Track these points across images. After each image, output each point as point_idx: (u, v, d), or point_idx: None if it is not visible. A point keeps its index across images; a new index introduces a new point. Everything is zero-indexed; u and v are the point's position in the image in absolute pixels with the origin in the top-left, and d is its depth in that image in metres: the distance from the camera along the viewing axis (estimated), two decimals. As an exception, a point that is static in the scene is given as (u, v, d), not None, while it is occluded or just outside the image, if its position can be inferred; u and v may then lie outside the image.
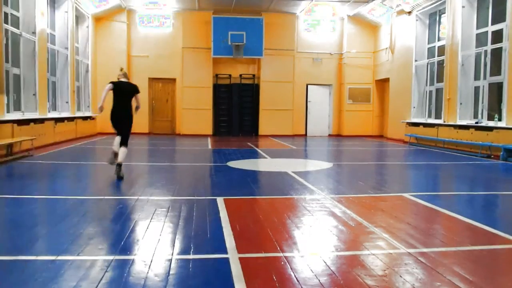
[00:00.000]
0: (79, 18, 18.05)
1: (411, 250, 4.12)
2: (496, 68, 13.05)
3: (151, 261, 3.75)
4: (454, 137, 14.29)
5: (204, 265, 3.72)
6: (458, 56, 14.39)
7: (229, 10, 19.93)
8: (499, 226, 5.08)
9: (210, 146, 15.27)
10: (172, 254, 3.95)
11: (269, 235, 4.59)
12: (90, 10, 18.46)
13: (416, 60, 17.35)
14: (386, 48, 19.67)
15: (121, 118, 8.68)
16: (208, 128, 20.48)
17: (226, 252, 3.99)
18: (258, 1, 18.87)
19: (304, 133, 21.52)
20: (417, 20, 17.18)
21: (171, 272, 3.53)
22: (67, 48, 16.28)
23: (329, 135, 21.72)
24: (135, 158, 11.92)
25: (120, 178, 7.90)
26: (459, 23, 14.35)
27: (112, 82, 8.34)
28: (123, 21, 19.87)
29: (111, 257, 3.83)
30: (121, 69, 8.85)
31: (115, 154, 8.42)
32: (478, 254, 4.04)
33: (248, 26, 19.70)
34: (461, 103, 14.37)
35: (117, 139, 8.65)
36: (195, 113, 20.14)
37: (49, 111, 14.65)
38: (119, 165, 8.06)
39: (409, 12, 17.49)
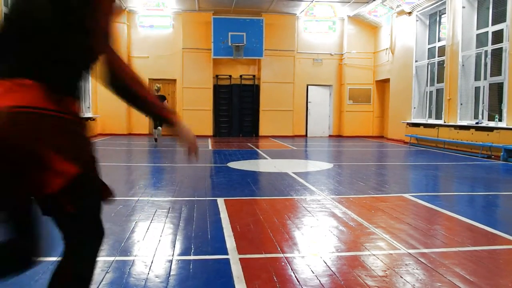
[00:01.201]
0: (79, 19, 18.03)
1: (412, 251, 4.11)
2: (496, 69, 13.05)
3: (152, 262, 3.75)
4: (455, 137, 14.28)
5: (204, 266, 3.72)
6: (458, 56, 14.39)
7: (229, 11, 19.94)
8: (499, 226, 5.08)
9: (210, 147, 15.27)
10: (173, 255, 3.95)
11: (269, 236, 4.59)
12: (90, 11, 18.46)
13: (416, 61, 17.35)
14: (387, 49, 19.68)
15: None
16: (208, 129, 20.48)
17: (226, 253, 3.99)
18: (258, 2, 18.88)
19: (304, 133, 21.53)
20: (417, 20, 17.19)
21: (171, 273, 3.52)
22: (67, 49, 16.26)
23: (330, 135, 21.72)
24: (136, 159, 11.93)
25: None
26: (459, 23, 14.34)
27: None
28: (123, 22, 19.88)
29: (111, 258, 3.83)
30: (156, 86, 15.12)
31: (156, 139, 15.46)
32: (478, 255, 4.03)
33: (248, 27, 19.72)
34: (461, 104, 14.37)
35: (155, 130, 15.48)
36: (195, 114, 20.14)
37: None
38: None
39: (409, 13, 17.50)
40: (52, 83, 1.66)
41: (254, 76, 21.03)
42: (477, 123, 13.40)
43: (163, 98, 16.46)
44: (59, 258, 1.87)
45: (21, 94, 1.60)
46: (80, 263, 1.86)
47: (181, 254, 4.00)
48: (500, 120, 12.50)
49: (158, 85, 16.23)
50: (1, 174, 1.60)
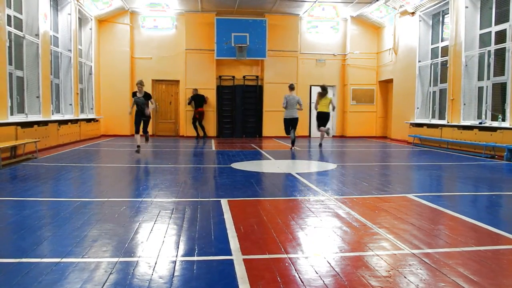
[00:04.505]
0: (82, 20, 18.10)
1: (415, 251, 4.11)
2: (499, 69, 13.02)
3: (156, 263, 3.76)
4: (458, 137, 14.26)
5: (208, 267, 3.72)
6: (461, 56, 14.37)
7: (232, 12, 19.96)
8: (503, 226, 5.07)
9: (213, 148, 15.28)
10: (176, 256, 3.96)
11: (273, 237, 4.59)
12: (93, 12, 18.51)
13: (419, 61, 17.33)
14: (390, 49, 19.65)
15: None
16: (211, 130, 20.49)
17: (230, 254, 4.00)
18: (261, 3, 18.88)
19: (307, 134, 21.51)
20: (420, 20, 17.17)
21: (175, 274, 3.53)
22: (70, 50, 16.32)
23: (333, 136, 21.70)
24: (139, 159, 11.93)
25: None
26: (462, 23, 14.32)
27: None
28: (126, 23, 19.92)
29: (115, 259, 3.84)
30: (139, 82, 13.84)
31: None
32: (482, 255, 4.03)
33: (251, 28, 19.72)
34: (464, 104, 14.35)
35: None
36: (199, 115, 20.17)
37: (52, 114, 14.68)
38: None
39: (412, 13, 17.47)
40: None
41: (257, 76, 21.03)
42: (480, 123, 13.38)
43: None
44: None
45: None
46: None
47: (184, 255, 4.01)
48: (503, 120, 12.47)
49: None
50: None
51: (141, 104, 12.56)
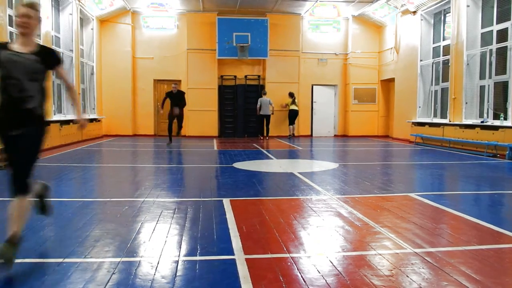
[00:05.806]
0: (83, 20, 18.11)
1: (418, 250, 4.11)
2: (501, 67, 13.00)
3: (158, 263, 3.76)
4: (460, 136, 14.25)
5: (210, 267, 3.72)
6: (463, 55, 14.35)
7: (233, 11, 19.95)
8: (505, 225, 5.06)
9: (215, 147, 15.28)
10: (179, 256, 3.96)
11: (275, 236, 4.59)
12: (94, 12, 18.52)
13: (421, 60, 17.31)
14: (391, 48, 19.63)
15: None
16: (213, 130, 20.50)
17: (232, 253, 4.00)
18: (262, 2, 18.88)
19: (309, 133, 21.50)
20: (422, 19, 17.14)
21: (177, 274, 3.53)
22: (72, 51, 16.33)
23: (335, 135, 21.70)
24: (141, 159, 11.96)
25: None
26: (464, 22, 14.30)
27: None
28: (127, 23, 19.93)
29: (117, 259, 3.84)
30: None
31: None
32: (484, 254, 4.03)
33: (252, 27, 19.72)
34: (466, 103, 14.33)
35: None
36: (201, 115, 20.16)
37: (54, 114, 14.69)
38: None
39: (414, 12, 17.45)
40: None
41: (259, 76, 21.02)
42: (482, 122, 13.36)
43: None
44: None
45: None
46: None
47: (187, 254, 4.01)
48: (505, 118, 12.45)
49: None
50: None
51: (20, 84, 3.84)
